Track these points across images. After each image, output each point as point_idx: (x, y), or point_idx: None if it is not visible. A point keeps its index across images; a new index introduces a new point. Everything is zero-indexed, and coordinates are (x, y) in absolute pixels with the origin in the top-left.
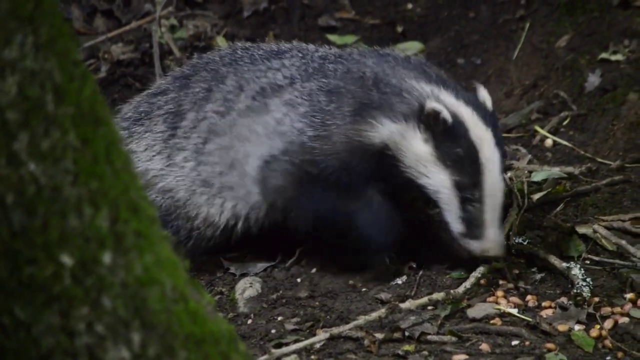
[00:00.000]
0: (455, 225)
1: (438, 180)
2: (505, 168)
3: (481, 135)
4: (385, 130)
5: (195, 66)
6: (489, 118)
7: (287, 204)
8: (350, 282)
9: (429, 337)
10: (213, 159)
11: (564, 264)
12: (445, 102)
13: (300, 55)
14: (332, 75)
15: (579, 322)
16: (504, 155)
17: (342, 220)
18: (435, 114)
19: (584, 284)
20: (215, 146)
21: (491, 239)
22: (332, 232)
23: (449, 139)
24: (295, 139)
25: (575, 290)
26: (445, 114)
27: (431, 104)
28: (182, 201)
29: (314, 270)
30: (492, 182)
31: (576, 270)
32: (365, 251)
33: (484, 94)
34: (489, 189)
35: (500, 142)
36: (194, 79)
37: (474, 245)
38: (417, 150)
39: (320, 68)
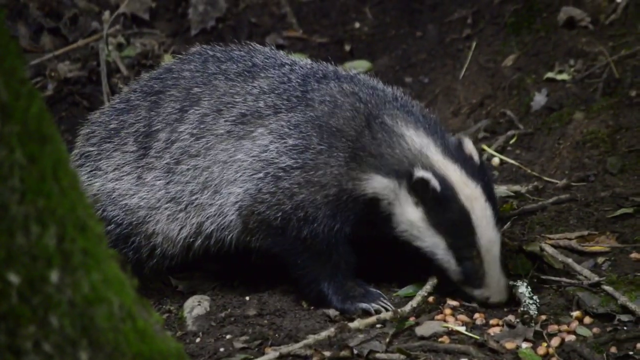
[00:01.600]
0: (456, 278)
1: (432, 243)
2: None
3: (471, 195)
4: (378, 183)
5: (164, 81)
6: (477, 173)
7: (265, 234)
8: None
9: (377, 355)
10: (185, 179)
11: (511, 282)
12: (434, 162)
13: (278, 77)
14: (320, 109)
15: (526, 339)
16: (497, 206)
17: (307, 275)
18: (424, 183)
19: (531, 302)
20: (188, 167)
21: (492, 287)
22: (296, 275)
23: (439, 204)
24: (283, 175)
25: (522, 309)
26: (434, 183)
27: (419, 173)
28: (143, 218)
29: (263, 288)
30: (487, 238)
31: (523, 289)
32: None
33: (469, 147)
34: (485, 245)
35: (491, 195)
36: (164, 97)
37: (476, 293)
38: (409, 216)
39: (304, 96)
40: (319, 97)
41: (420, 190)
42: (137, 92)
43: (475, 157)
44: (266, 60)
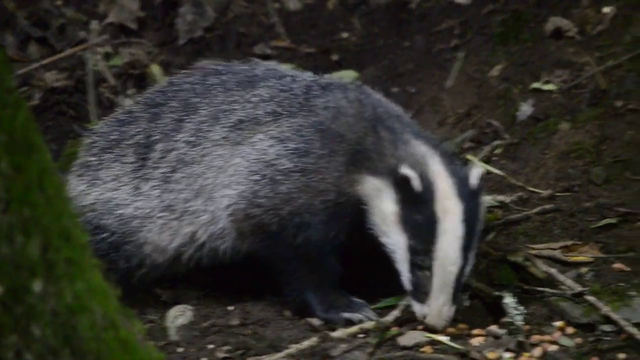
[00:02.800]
0: (407, 285)
1: (395, 241)
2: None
3: (448, 208)
4: (370, 183)
5: (165, 93)
6: (467, 194)
7: (259, 239)
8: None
9: None
10: (179, 187)
11: (496, 292)
12: (430, 169)
13: (280, 85)
14: (323, 114)
15: (508, 349)
16: (474, 232)
17: (293, 282)
18: (407, 180)
19: (517, 312)
20: (183, 175)
21: (433, 308)
22: (282, 280)
23: (415, 204)
24: (281, 179)
25: (508, 319)
26: (416, 182)
27: (405, 170)
28: (135, 227)
29: (246, 298)
30: (445, 253)
31: (509, 299)
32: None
33: (474, 171)
34: (441, 259)
35: (472, 219)
36: (164, 109)
37: (417, 308)
38: (385, 209)
39: (307, 102)
40: (322, 103)
41: (402, 187)
42: (140, 104)
43: (475, 181)
44: (267, 72)
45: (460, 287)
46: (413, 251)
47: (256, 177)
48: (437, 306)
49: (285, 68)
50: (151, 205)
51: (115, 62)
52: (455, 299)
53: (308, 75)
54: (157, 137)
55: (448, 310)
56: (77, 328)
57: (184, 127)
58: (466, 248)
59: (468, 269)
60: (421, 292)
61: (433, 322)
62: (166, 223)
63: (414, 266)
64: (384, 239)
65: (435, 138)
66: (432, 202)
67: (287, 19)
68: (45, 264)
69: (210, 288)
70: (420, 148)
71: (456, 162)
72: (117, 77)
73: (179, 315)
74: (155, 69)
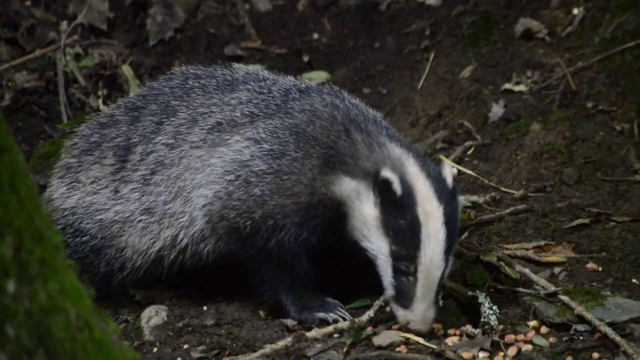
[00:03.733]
0: (388, 290)
1: (377, 246)
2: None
3: (430, 211)
4: (347, 185)
5: (146, 97)
6: (445, 195)
7: (233, 240)
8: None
9: None
10: (159, 189)
11: (470, 292)
12: (408, 171)
13: (258, 88)
14: (298, 117)
15: (483, 349)
16: (454, 234)
17: (267, 283)
18: (388, 183)
19: (491, 312)
20: (162, 177)
21: (417, 314)
22: (255, 281)
23: (396, 209)
24: (255, 180)
25: (482, 319)
26: (396, 186)
27: (385, 173)
28: (116, 231)
29: (220, 298)
30: (429, 259)
31: (482, 299)
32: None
33: (447, 171)
34: (425, 264)
35: (451, 222)
36: (144, 112)
37: (400, 314)
38: (365, 213)
39: (284, 105)
40: (299, 106)
41: (382, 190)
42: (121, 108)
43: (449, 181)
44: (247, 76)
45: (441, 290)
46: (396, 257)
47: (231, 177)
48: (421, 311)
49: (267, 72)
50: (131, 209)
51: (86, 63)
52: (437, 301)
53: (289, 80)
54: (136, 140)
55: (431, 314)
56: (51, 328)
57: (163, 130)
58: (447, 251)
59: (448, 271)
60: (404, 297)
61: (418, 327)
62: (146, 226)
63: (397, 272)
64: (365, 244)
65: (409, 141)
66: (413, 205)
67: (258, 20)
68: (18, 265)
69: (184, 288)
70: (396, 150)
71: (430, 164)
72: (88, 78)
73: (153, 316)
74: (125, 70)
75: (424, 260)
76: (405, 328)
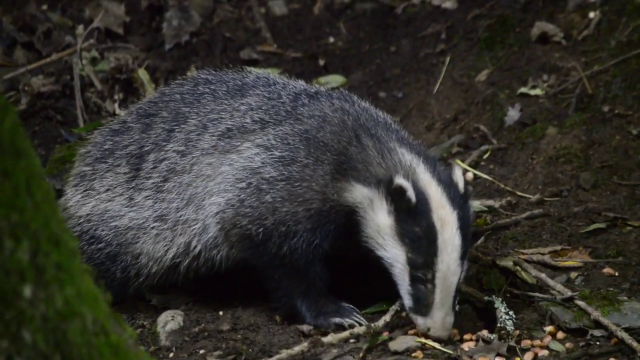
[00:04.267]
0: (406, 299)
1: (393, 255)
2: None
3: (444, 217)
4: (359, 192)
5: (157, 104)
6: (458, 200)
7: (246, 247)
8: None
9: None
10: (171, 196)
11: (486, 297)
12: (419, 178)
13: (268, 94)
14: (308, 123)
15: (499, 354)
16: (468, 238)
17: (281, 289)
18: (402, 191)
19: (507, 317)
20: (174, 184)
21: (437, 320)
22: (270, 288)
23: (410, 216)
24: (266, 187)
25: (499, 324)
26: (410, 193)
27: (399, 180)
28: (131, 238)
29: (236, 303)
30: (446, 265)
31: (499, 304)
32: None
33: (457, 175)
34: (442, 271)
35: (465, 227)
36: (155, 120)
37: (420, 322)
38: (379, 221)
39: (294, 111)
40: (308, 112)
41: (395, 198)
42: (133, 115)
43: (461, 185)
44: (257, 80)
45: (458, 296)
46: (413, 265)
47: (242, 185)
48: (441, 318)
49: (277, 76)
50: (144, 216)
51: (102, 67)
52: (454, 307)
53: (299, 84)
54: (149, 148)
55: (450, 320)
56: (68, 333)
57: (174, 137)
58: (463, 256)
59: (463, 275)
60: (422, 305)
61: (438, 333)
62: (159, 233)
63: (415, 279)
64: (380, 252)
65: (420, 144)
66: (428, 212)
67: (273, 23)
68: (34, 269)
69: (200, 293)
70: (406, 156)
71: (440, 168)
72: (104, 82)
73: (169, 320)
74: (142, 74)
75: (442, 267)
76: (425, 335)
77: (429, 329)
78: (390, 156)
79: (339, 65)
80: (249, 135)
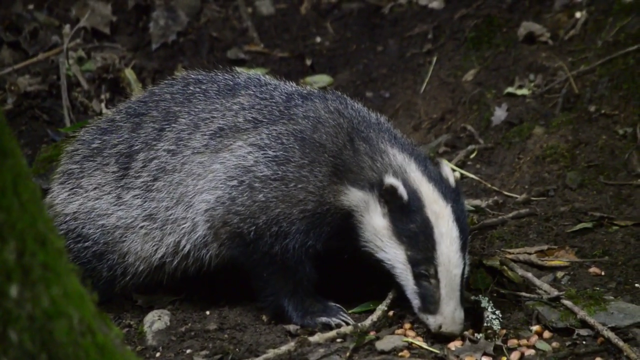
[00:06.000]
0: (413, 300)
1: (393, 255)
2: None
3: (438, 212)
4: (354, 196)
5: (147, 103)
6: (450, 194)
7: (235, 245)
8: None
9: None
10: (160, 195)
11: (473, 297)
12: (410, 176)
13: (260, 94)
14: (303, 123)
15: (485, 354)
16: (466, 231)
17: (269, 288)
18: (393, 190)
19: (494, 316)
20: (164, 183)
21: (446, 315)
22: (257, 286)
23: (405, 214)
24: (259, 186)
25: (485, 323)
26: (402, 191)
27: (389, 180)
28: (118, 237)
29: (223, 302)
30: (447, 258)
31: (485, 303)
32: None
33: (447, 171)
34: (444, 264)
35: (461, 219)
36: (145, 119)
37: (430, 321)
38: (375, 224)
39: (287, 111)
40: (302, 112)
41: (388, 199)
42: (122, 113)
43: (451, 180)
44: (249, 80)
45: (464, 289)
46: (414, 262)
47: (234, 183)
48: (450, 312)
49: (268, 77)
50: (133, 215)
51: (89, 67)
52: (462, 302)
53: (290, 85)
54: (138, 147)
55: (460, 314)
56: (54, 333)
57: (164, 136)
58: (463, 248)
59: (467, 269)
60: (430, 302)
61: (450, 329)
62: (148, 233)
63: (418, 277)
64: (380, 255)
65: (411, 143)
66: (421, 208)
67: (260, 23)
68: (21, 269)
69: (186, 292)
70: (397, 157)
71: (431, 166)
72: (91, 81)
73: (156, 320)
74: (128, 73)
75: (442, 259)
76: (436, 335)
77: (440, 327)
78: (381, 159)
79: (325, 65)
80: (241, 134)
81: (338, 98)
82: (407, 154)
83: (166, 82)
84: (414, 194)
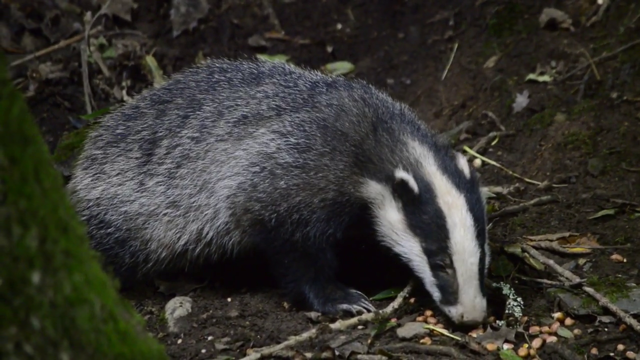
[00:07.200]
0: (433, 293)
1: (409, 248)
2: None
3: (451, 202)
4: (373, 188)
5: (172, 91)
6: (464, 185)
7: (257, 232)
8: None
9: (359, 356)
10: (184, 182)
11: (494, 284)
12: (424, 169)
13: (284, 82)
14: (326, 111)
15: (507, 341)
16: (482, 219)
17: (290, 275)
18: (403, 183)
19: (515, 303)
20: (188, 170)
21: (466, 303)
22: (278, 273)
23: (417, 207)
24: (280, 173)
25: (507, 310)
26: (412, 183)
27: (399, 174)
28: (141, 224)
29: (244, 290)
30: (461, 246)
31: (507, 290)
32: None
33: (462, 162)
34: (459, 253)
35: (476, 209)
36: (169, 106)
37: (452, 312)
38: (390, 219)
39: (311, 99)
40: (326, 100)
41: (400, 192)
42: (147, 100)
43: (466, 171)
44: (273, 69)
45: (484, 279)
46: (429, 253)
47: (256, 169)
48: (470, 300)
49: (293, 66)
50: (156, 202)
51: (110, 54)
52: (482, 290)
53: (315, 73)
54: (162, 134)
55: (481, 301)
56: (76, 320)
57: (188, 124)
58: (479, 237)
59: (487, 260)
60: (449, 292)
61: (471, 317)
62: (171, 220)
63: (435, 268)
64: (397, 249)
65: (433, 134)
66: (433, 199)
67: (281, 10)
68: (43, 256)
69: (208, 279)
70: (416, 150)
71: (447, 158)
72: (112, 68)
73: (177, 307)
74: (149, 61)
75: (457, 248)
76: (459, 326)
77: (462, 316)
78: (399, 151)
79: (346, 52)
80: (264, 122)
81: (363, 87)
82: (427, 146)
83: (191, 70)
84: (426, 186)
